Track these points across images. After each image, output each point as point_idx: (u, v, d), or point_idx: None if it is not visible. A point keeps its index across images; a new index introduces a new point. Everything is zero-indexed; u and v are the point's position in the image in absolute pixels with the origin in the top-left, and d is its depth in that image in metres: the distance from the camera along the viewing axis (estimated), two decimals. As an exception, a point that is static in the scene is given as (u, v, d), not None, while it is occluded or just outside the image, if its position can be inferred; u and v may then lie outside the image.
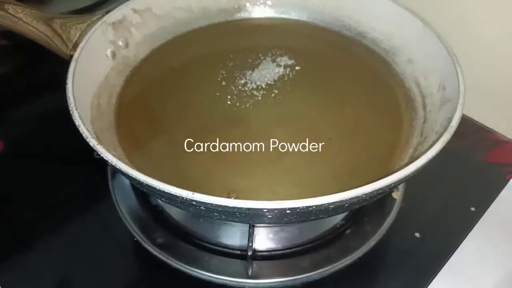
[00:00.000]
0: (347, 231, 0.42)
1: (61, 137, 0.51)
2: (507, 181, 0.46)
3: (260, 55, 0.48)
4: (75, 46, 0.41)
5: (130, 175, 0.28)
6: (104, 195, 0.44)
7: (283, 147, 0.39)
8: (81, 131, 0.31)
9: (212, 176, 0.36)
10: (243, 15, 0.53)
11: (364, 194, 0.27)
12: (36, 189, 0.46)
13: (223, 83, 0.45)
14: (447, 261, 0.40)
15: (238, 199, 0.26)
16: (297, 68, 0.46)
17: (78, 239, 0.41)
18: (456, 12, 0.52)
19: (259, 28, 0.52)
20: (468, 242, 0.41)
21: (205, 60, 0.47)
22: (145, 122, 0.41)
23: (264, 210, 0.27)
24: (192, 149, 0.38)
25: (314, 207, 0.27)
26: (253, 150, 0.38)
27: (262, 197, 0.35)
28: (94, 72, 0.41)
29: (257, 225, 0.39)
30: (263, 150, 0.38)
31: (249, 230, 0.37)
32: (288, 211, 0.27)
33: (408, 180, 0.35)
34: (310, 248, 0.41)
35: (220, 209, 0.27)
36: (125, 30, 0.45)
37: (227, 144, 0.39)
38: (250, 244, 0.37)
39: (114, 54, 0.44)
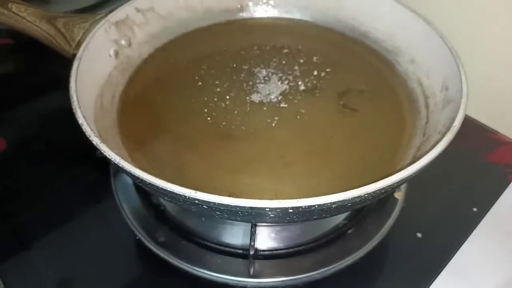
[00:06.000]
0: (349, 231, 0.42)
1: (63, 136, 0.51)
2: (510, 181, 0.46)
3: (263, 55, 0.48)
4: (78, 45, 0.41)
5: (133, 173, 0.28)
6: (106, 194, 0.44)
7: (285, 147, 0.39)
8: (84, 130, 0.32)
9: (214, 176, 0.37)
10: (245, 15, 0.53)
11: (366, 194, 0.27)
12: (39, 188, 0.46)
13: (226, 82, 0.45)
14: (449, 261, 0.40)
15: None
16: (299, 67, 0.46)
17: (81, 238, 0.42)
18: (459, 12, 0.52)
19: (261, 28, 0.53)
20: (470, 243, 0.41)
21: (208, 59, 0.47)
22: (148, 121, 0.41)
23: (267, 209, 0.27)
24: (195, 148, 0.39)
25: (316, 206, 0.27)
26: (255, 150, 0.38)
27: (264, 197, 0.35)
28: (97, 71, 0.41)
29: (259, 224, 0.39)
30: (265, 150, 0.38)
31: (251, 229, 0.37)
32: (290, 210, 0.27)
33: (410, 180, 0.35)
34: (312, 248, 0.41)
35: (222, 208, 0.27)
36: (128, 30, 0.45)
37: (230, 144, 0.39)
38: (252, 243, 0.37)
39: (117, 53, 0.44)
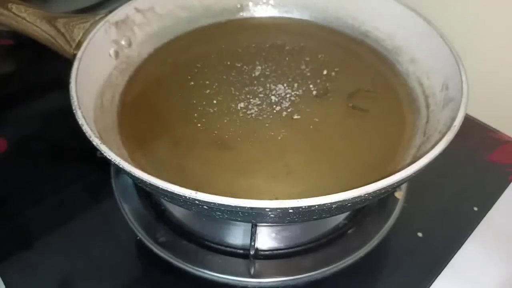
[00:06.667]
0: (349, 231, 0.42)
1: (64, 137, 0.51)
2: (510, 181, 0.46)
3: (263, 54, 0.48)
4: (78, 45, 0.41)
5: (133, 174, 0.29)
6: (107, 194, 0.44)
7: (285, 147, 0.39)
8: (84, 130, 0.32)
9: (214, 176, 0.36)
10: (245, 14, 0.53)
11: (367, 194, 0.27)
12: (39, 188, 0.46)
13: (226, 82, 0.45)
14: (449, 261, 0.40)
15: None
16: (300, 68, 0.46)
17: (81, 238, 0.42)
18: (459, 12, 0.52)
19: (261, 27, 0.53)
20: (471, 242, 0.41)
21: (208, 59, 0.47)
22: (148, 121, 0.41)
23: (267, 210, 0.27)
24: (195, 148, 0.39)
25: (316, 206, 0.27)
26: (255, 150, 0.38)
27: (264, 196, 0.35)
28: (97, 71, 0.41)
29: (259, 224, 0.39)
30: (265, 150, 0.38)
31: (251, 229, 0.37)
32: (290, 211, 0.27)
33: (410, 180, 0.35)
34: (312, 248, 0.41)
35: (223, 208, 0.27)
36: (128, 30, 0.45)
37: (230, 144, 0.39)
38: (253, 243, 0.37)
39: (117, 53, 0.44)
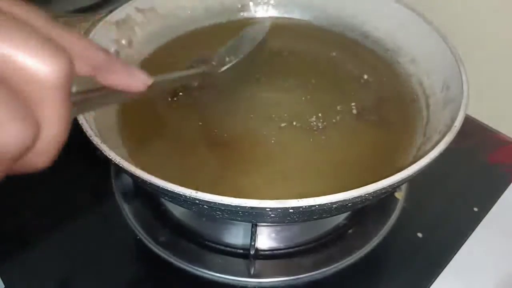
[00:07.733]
0: (349, 231, 0.42)
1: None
2: (511, 181, 0.46)
3: (263, 56, 0.48)
4: (79, 45, 0.41)
5: (134, 173, 0.28)
6: (107, 194, 0.44)
7: (285, 147, 0.39)
8: (84, 130, 0.31)
9: (214, 176, 0.36)
10: (246, 14, 0.53)
11: (367, 194, 0.27)
12: (39, 188, 0.46)
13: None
14: (449, 261, 0.40)
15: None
16: (300, 67, 0.46)
17: (81, 238, 0.41)
18: (460, 12, 0.52)
19: (262, 28, 0.52)
20: (471, 243, 0.41)
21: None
22: (148, 121, 0.41)
23: (268, 210, 0.27)
24: (195, 148, 0.39)
25: (317, 206, 0.27)
26: (255, 151, 0.38)
27: (265, 196, 0.35)
28: (97, 71, 0.41)
29: (259, 224, 0.39)
30: (266, 150, 0.38)
31: (251, 229, 0.37)
32: (291, 210, 0.27)
33: (411, 180, 0.35)
34: (312, 248, 0.41)
35: (223, 208, 0.27)
36: (129, 29, 0.45)
37: (230, 145, 0.39)
38: (253, 243, 0.37)
39: (117, 53, 0.44)
